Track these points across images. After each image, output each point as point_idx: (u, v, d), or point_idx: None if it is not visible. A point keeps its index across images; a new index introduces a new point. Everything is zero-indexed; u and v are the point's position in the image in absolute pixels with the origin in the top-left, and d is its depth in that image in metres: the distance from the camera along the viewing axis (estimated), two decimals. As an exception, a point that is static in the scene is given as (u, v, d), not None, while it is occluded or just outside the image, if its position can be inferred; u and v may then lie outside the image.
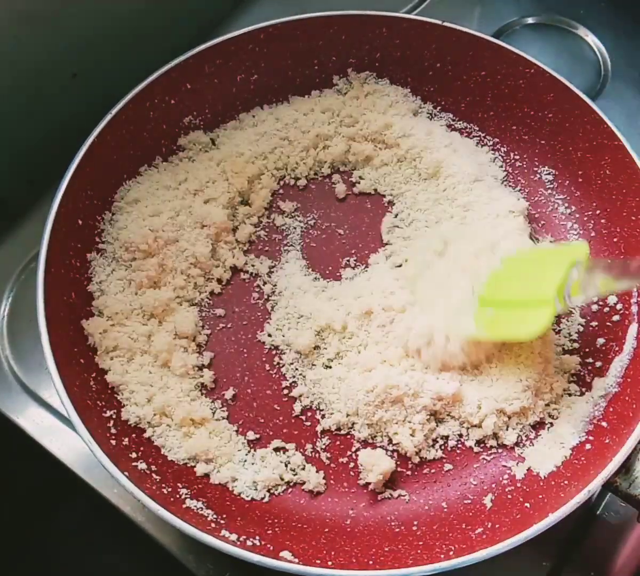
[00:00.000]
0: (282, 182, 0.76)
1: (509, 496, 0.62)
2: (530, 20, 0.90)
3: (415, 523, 0.61)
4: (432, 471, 0.64)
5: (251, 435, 0.65)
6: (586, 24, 0.89)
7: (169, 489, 0.59)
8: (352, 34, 0.75)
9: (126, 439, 0.61)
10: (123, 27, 0.78)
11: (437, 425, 0.65)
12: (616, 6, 0.91)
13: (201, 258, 0.69)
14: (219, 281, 0.71)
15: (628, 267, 0.54)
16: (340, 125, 0.77)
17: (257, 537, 0.57)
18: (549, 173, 0.76)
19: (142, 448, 0.61)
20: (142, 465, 0.60)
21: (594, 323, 0.69)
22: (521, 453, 0.64)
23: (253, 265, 0.72)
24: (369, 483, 0.62)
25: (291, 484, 0.64)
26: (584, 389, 0.66)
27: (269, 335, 0.69)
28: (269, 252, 0.73)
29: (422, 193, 0.75)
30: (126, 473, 0.56)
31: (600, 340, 0.68)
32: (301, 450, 0.65)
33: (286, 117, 0.76)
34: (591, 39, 0.89)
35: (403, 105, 0.77)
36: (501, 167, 0.77)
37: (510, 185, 0.76)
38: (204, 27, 0.87)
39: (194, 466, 0.63)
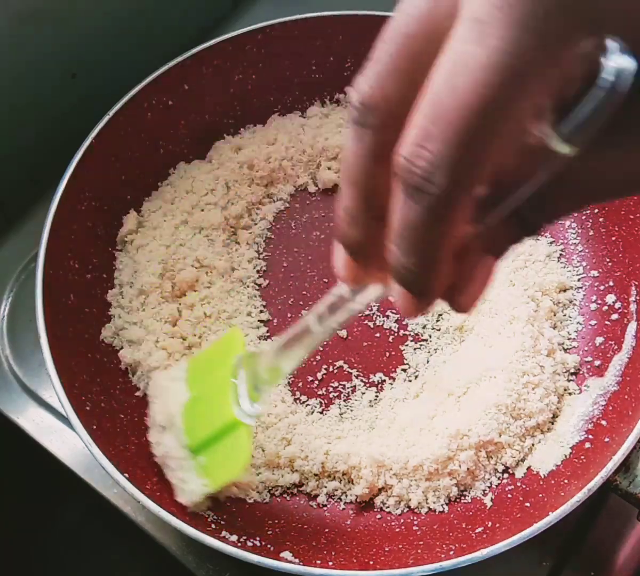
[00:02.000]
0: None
1: (509, 496, 0.61)
2: (529, 20, 0.90)
3: (416, 523, 0.61)
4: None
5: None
6: (585, 24, 0.89)
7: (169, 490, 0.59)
8: (350, 34, 0.75)
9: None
10: (123, 27, 0.78)
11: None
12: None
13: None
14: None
15: (282, 352, 0.47)
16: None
17: (258, 538, 0.57)
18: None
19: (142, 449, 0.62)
20: (141, 465, 0.60)
21: (593, 322, 0.69)
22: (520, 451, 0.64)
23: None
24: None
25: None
26: (583, 388, 0.66)
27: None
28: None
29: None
30: (126, 474, 0.56)
31: (599, 339, 0.68)
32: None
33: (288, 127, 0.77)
34: (591, 38, 0.89)
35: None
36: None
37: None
38: (204, 27, 0.87)
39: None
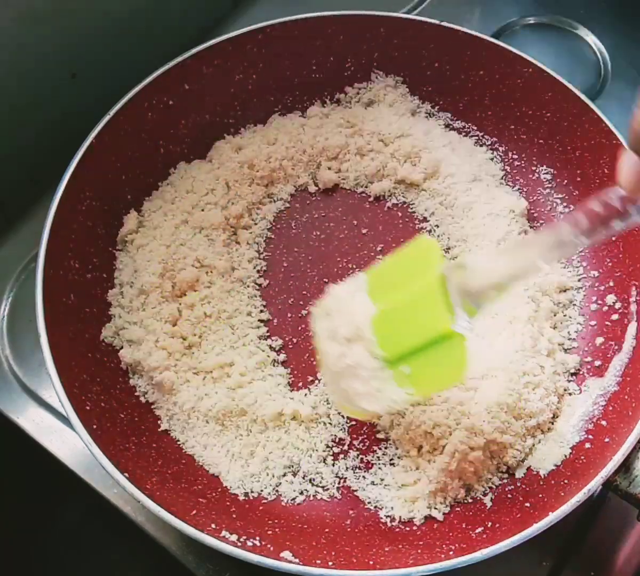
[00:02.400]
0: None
1: (509, 496, 0.61)
2: (530, 20, 0.90)
3: (416, 523, 0.61)
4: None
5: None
6: (586, 24, 0.89)
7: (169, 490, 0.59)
8: (350, 34, 0.75)
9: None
10: (123, 27, 0.78)
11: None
12: (616, 6, 0.91)
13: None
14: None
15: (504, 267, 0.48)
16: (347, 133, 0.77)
17: (257, 537, 0.57)
18: (547, 173, 0.76)
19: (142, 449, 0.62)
20: (141, 465, 0.60)
21: (593, 322, 0.69)
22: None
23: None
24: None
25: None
26: (583, 388, 0.66)
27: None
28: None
29: (422, 195, 0.75)
30: (126, 474, 0.56)
31: (600, 339, 0.68)
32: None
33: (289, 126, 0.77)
34: (591, 39, 0.89)
35: (402, 105, 0.78)
36: (500, 166, 0.77)
37: (508, 185, 0.76)
38: (204, 27, 0.87)
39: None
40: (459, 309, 0.50)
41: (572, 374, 0.67)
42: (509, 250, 0.51)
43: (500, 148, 0.78)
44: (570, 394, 0.66)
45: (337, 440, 0.65)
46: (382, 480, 0.63)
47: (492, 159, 0.77)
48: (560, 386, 0.66)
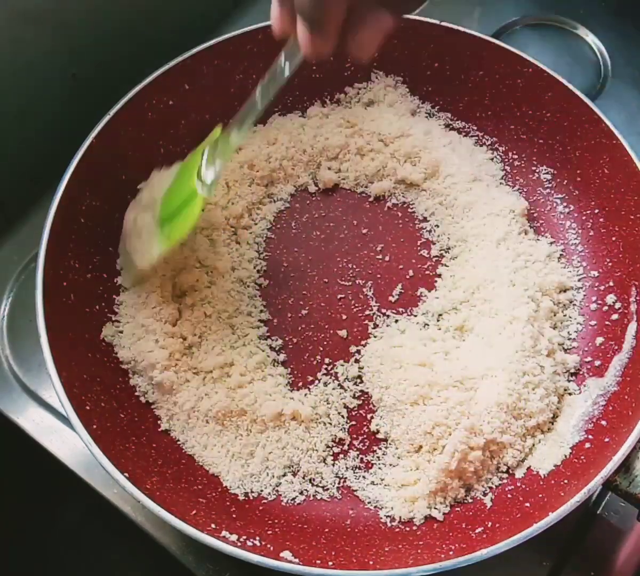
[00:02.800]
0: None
1: (509, 496, 0.61)
2: (530, 20, 0.90)
3: (416, 523, 0.61)
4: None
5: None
6: (586, 24, 0.89)
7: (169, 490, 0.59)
8: (350, 33, 0.75)
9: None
10: (123, 27, 0.78)
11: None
12: (616, 6, 0.91)
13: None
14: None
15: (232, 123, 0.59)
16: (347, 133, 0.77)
17: (257, 537, 0.57)
18: (547, 173, 0.76)
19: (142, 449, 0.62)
20: (141, 465, 0.60)
21: (593, 322, 0.69)
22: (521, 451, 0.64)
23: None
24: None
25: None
26: (583, 388, 0.66)
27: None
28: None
29: (422, 195, 0.75)
30: (126, 474, 0.56)
31: (600, 339, 0.68)
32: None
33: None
34: (591, 39, 0.89)
35: (402, 105, 0.78)
36: (500, 166, 0.77)
37: (508, 185, 0.76)
38: (205, 27, 0.87)
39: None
40: (203, 168, 0.62)
41: (572, 374, 0.67)
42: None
43: (500, 149, 0.78)
44: (570, 394, 0.66)
45: (337, 440, 0.65)
46: (382, 479, 0.63)
47: (492, 159, 0.77)
48: (560, 386, 0.66)
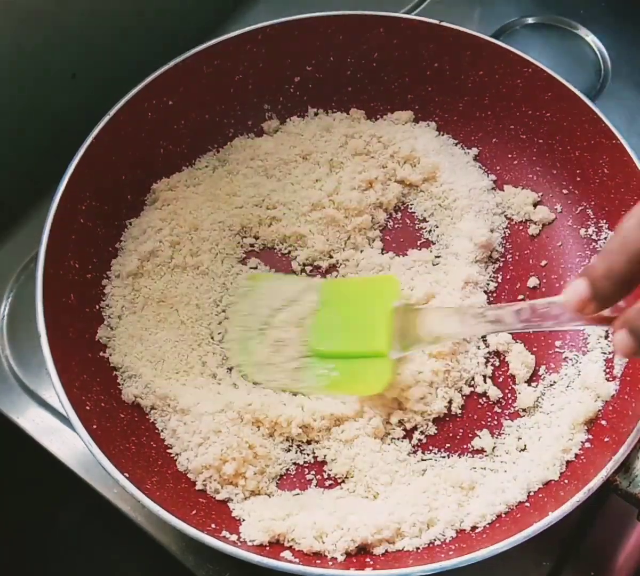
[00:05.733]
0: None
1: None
2: (530, 20, 0.90)
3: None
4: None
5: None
6: (586, 24, 0.89)
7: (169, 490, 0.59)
8: (349, 34, 0.75)
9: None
10: (123, 27, 0.78)
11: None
12: (616, 6, 0.90)
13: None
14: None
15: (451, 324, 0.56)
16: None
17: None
18: (547, 173, 0.76)
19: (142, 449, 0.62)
20: (141, 466, 0.60)
21: (593, 322, 0.69)
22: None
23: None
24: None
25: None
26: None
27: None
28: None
29: (420, 195, 0.75)
30: (126, 474, 0.56)
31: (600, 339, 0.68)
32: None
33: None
34: (591, 39, 0.89)
35: (404, 114, 0.78)
36: (498, 167, 0.77)
37: (508, 185, 0.76)
38: (204, 27, 0.87)
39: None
40: (396, 342, 0.59)
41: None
42: (458, 312, 0.59)
43: (500, 149, 0.78)
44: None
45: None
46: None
47: (491, 160, 0.77)
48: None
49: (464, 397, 0.66)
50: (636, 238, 0.42)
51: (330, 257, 0.72)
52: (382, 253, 0.73)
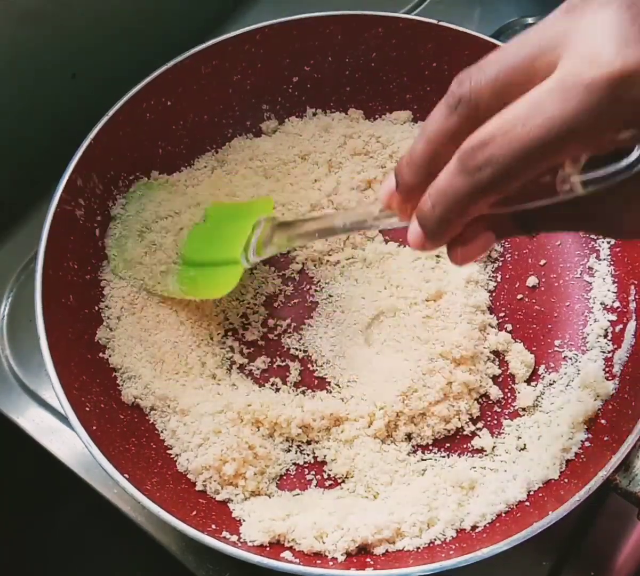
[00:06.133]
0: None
1: (509, 495, 0.61)
2: (530, 20, 0.90)
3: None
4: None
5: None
6: (585, 24, 0.89)
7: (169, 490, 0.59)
8: (348, 33, 0.75)
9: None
10: (123, 27, 0.78)
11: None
12: (616, 6, 0.90)
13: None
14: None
15: (299, 227, 0.57)
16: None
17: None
18: (547, 172, 0.76)
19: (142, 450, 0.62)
20: (141, 466, 0.60)
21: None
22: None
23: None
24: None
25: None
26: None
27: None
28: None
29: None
30: (126, 474, 0.56)
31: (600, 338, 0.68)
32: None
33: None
34: (591, 38, 0.89)
35: (403, 114, 0.78)
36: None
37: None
38: (204, 27, 0.87)
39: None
40: (252, 248, 0.61)
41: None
42: (315, 217, 0.62)
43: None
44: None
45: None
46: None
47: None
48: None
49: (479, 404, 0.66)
50: (432, 119, 0.40)
51: (330, 256, 0.73)
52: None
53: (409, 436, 0.64)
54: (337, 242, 0.73)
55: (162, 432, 0.64)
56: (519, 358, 0.67)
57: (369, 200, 0.52)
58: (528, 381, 0.67)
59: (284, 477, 0.63)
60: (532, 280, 0.72)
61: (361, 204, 0.61)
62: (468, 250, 0.43)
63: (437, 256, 0.71)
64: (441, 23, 0.73)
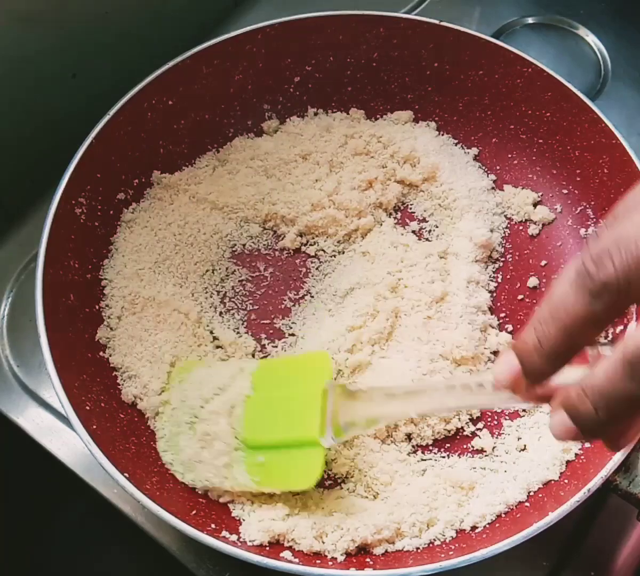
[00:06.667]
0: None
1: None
2: (530, 20, 0.90)
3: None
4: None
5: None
6: (586, 24, 0.89)
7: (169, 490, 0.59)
8: (349, 33, 0.75)
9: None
10: (123, 27, 0.78)
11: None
12: (616, 6, 0.90)
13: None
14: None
15: (384, 405, 0.51)
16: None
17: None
18: (546, 173, 0.76)
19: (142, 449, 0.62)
20: (141, 466, 0.60)
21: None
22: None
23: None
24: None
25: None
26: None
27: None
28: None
29: (420, 195, 0.75)
30: (126, 474, 0.56)
31: (600, 339, 0.68)
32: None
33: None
34: (591, 39, 0.89)
35: (404, 114, 0.78)
36: (498, 167, 0.77)
37: (508, 185, 0.76)
38: (204, 27, 0.87)
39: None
40: (329, 426, 0.55)
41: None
42: (392, 394, 0.54)
43: (500, 149, 0.78)
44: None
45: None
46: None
47: (491, 160, 0.77)
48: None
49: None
50: (567, 305, 0.35)
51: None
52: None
53: (409, 437, 0.64)
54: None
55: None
56: None
57: (475, 378, 0.47)
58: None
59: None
60: (533, 281, 0.72)
61: (458, 378, 0.53)
62: (629, 436, 0.40)
63: (442, 257, 0.71)
64: (443, 23, 0.73)
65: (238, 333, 0.69)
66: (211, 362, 0.65)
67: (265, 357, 0.68)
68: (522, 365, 0.39)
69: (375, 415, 0.53)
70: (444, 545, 0.57)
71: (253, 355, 0.68)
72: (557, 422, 0.38)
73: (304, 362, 0.62)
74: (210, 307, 0.70)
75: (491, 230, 0.72)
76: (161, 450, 0.61)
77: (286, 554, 0.55)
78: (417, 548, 0.57)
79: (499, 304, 0.71)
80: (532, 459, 0.62)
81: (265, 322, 0.70)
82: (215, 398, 0.60)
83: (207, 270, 0.71)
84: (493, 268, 0.73)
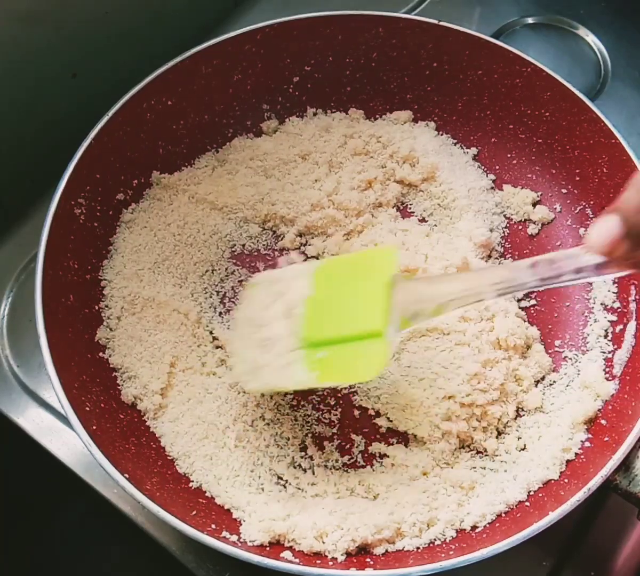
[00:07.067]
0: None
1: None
2: (530, 20, 0.90)
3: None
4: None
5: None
6: (586, 24, 0.89)
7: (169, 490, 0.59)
8: (348, 33, 0.75)
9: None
10: (123, 27, 0.78)
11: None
12: (616, 6, 0.91)
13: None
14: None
15: (457, 285, 0.50)
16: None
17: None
18: (546, 172, 0.76)
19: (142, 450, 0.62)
20: (141, 466, 0.60)
21: (593, 322, 0.69)
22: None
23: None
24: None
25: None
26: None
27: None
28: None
29: (420, 195, 0.75)
30: (126, 474, 0.56)
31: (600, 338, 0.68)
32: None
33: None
34: (591, 39, 0.89)
35: (403, 114, 0.78)
36: (497, 167, 0.77)
37: (507, 185, 0.76)
38: (204, 27, 0.87)
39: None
40: (394, 318, 0.53)
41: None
42: (461, 275, 0.54)
43: (499, 149, 0.78)
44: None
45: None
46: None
47: (490, 160, 0.77)
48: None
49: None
50: None
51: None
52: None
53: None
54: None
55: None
56: (535, 359, 0.67)
57: (564, 252, 0.45)
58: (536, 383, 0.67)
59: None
60: (532, 281, 0.72)
61: (556, 254, 0.47)
62: None
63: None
64: (442, 23, 0.73)
65: (238, 333, 0.69)
66: (271, 272, 0.65)
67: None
68: (626, 225, 0.39)
69: (446, 295, 0.51)
70: (444, 545, 0.57)
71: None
72: None
73: (369, 257, 0.61)
74: (210, 307, 0.70)
75: (491, 230, 0.72)
76: (231, 366, 0.63)
77: (286, 554, 0.55)
78: (418, 548, 0.57)
79: (498, 304, 0.71)
80: (532, 459, 0.62)
81: (265, 322, 0.70)
82: (275, 303, 0.59)
83: (206, 271, 0.72)
84: (492, 268, 0.73)
